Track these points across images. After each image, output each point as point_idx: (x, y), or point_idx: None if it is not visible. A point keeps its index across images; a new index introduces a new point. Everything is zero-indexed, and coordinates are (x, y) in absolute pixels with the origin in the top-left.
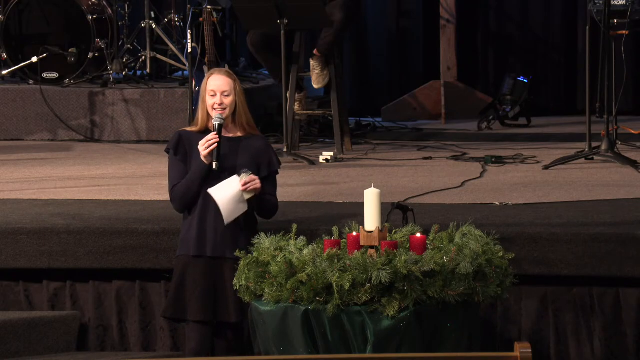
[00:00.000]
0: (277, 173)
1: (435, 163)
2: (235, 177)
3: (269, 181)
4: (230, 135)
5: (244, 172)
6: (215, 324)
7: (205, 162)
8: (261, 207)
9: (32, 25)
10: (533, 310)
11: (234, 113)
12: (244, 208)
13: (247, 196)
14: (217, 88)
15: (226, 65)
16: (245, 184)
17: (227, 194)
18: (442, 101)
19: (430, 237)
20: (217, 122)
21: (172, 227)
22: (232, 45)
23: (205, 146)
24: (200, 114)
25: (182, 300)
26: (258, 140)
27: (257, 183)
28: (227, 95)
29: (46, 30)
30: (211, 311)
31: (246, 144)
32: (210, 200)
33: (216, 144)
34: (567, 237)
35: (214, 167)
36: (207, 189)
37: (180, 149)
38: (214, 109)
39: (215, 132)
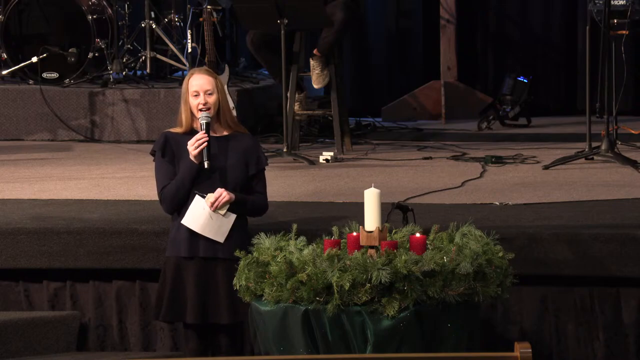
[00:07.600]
0: (264, 170)
1: (435, 163)
2: (198, 198)
3: (257, 179)
4: (217, 134)
5: (204, 195)
6: (212, 324)
7: (195, 161)
8: (248, 210)
9: (32, 25)
10: (533, 310)
11: (217, 112)
12: (229, 218)
13: (221, 212)
14: (200, 88)
15: (226, 65)
16: (212, 204)
17: (201, 218)
18: (442, 101)
19: (430, 237)
20: (204, 121)
21: None
22: (232, 45)
23: (194, 146)
24: (183, 116)
25: (178, 302)
26: (246, 139)
27: (224, 197)
28: (210, 94)
29: (46, 30)
30: (206, 313)
31: (234, 142)
32: None
33: (206, 143)
34: (567, 237)
35: (205, 165)
36: (197, 189)
37: (168, 151)
38: (199, 110)
39: (204, 132)
